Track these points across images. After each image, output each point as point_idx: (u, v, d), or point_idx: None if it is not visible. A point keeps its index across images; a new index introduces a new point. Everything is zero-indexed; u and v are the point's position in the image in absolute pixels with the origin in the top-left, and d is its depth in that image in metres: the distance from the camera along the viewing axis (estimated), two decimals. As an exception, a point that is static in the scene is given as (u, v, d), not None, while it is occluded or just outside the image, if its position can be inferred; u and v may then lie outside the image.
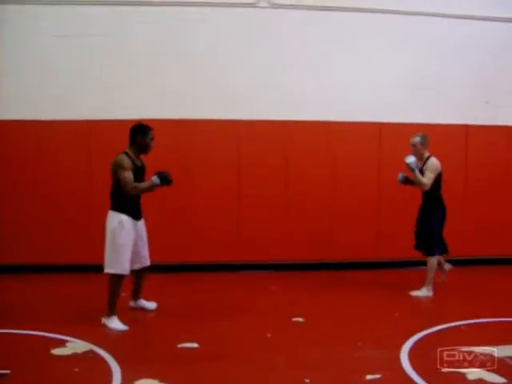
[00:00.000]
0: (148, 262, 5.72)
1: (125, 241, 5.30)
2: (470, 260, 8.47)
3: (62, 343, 4.66)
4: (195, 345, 4.69)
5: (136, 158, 5.45)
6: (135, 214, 5.45)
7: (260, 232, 8.27)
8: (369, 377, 3.87)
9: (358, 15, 8.67)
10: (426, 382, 3.76)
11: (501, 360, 4.19)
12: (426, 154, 6.61)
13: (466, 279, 7.63)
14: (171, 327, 5.35)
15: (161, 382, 3.79)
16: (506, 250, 8.53)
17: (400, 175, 6.67)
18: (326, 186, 8.35)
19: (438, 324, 5.26)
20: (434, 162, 6.51)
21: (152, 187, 5.33)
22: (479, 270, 8.31)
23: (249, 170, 8.18)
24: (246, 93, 8.34)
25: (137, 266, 5.61)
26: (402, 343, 4.65)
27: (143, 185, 5.34)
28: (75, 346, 4.60)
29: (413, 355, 4.34)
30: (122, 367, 4.06)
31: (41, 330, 4.99)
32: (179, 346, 4.66)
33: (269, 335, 4.97)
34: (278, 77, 8.45)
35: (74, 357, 4.35)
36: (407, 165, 6.35)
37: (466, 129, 8.57)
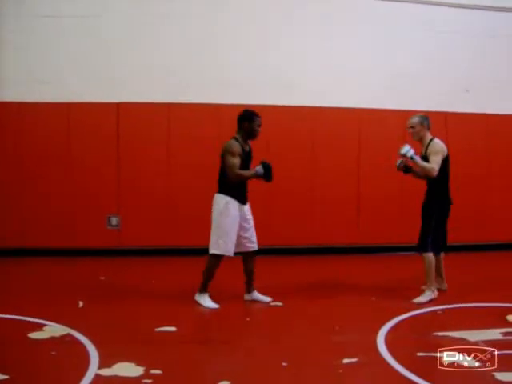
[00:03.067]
0: (254, 247, 5.70)
1: (230, 223, 5.41)
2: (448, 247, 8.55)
3: (40, 327, 4.62)
4: (173, 328, 4.68)
5: (244, 143, 5.54)
6: (241, 198, 5.52)
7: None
8: (346, 360, 3.89)
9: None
10: (402, 365, 3.79)
11: (475, 344, 4.25)
12: (429, 137, 5.79)
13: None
14: (150, 311, 5.33)
15: (138, 365, 3.77)
16: (483, 237, 8.64)
17: (399, 162, 5.87)
18: (306, 170, 8.40)
19: (415, 309, 5.32)
20: (438, 144, 5.70)
21: (255, 176, 5.44)
22: (456, 256, 8.40)
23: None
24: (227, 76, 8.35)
25: (241, 249, 5.64)
26: (380, 327, 4.68)
27: (247, 173, 5.46)
28: (53, 329, 4.57)
29: (389, 339, 4.38)
30: (99, 351, 4.04)
31: (18, 314, 4.95)
32: (157, 329, 4.65)
33: (248, 319, 5.00)
34: (259, 61, 8.47)
35: (52, 340, 4.33)
36: (402, 156, 5.66)
37: (445, 117, 8.62)
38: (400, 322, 4.93)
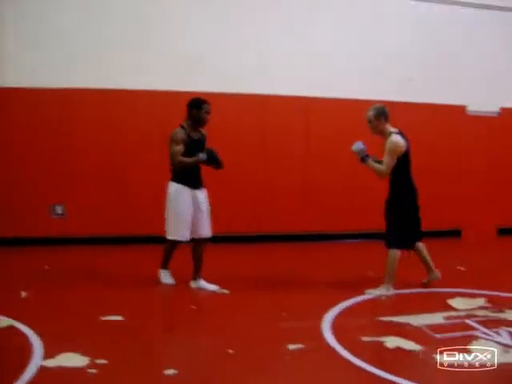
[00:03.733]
0: (205, 234, 5.75)
1: (181, 209, 5.52)
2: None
3: (-21, 319, 4.47)
4: (119, 317, 4.60)
5: (192, 131, 5.61)
6: (192, 183, 5.60)
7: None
8: (291, 347, 3.91)
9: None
10: (347, 350, 3.84)
11: (418, 328, 4.35)
12: (389, 130, 5.47)
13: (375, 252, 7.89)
14: (96, 300, 5.25)
15: (83, 355, 3.69)
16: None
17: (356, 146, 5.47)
18: (255, 157, 8.42)
19: (360, 294, 5.40)
20: (392, 142, 5.35)
21: (197, 162, 5.53)
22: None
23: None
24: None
25: (194, 236, 5.68)
26: (326, 313, 4.73)
27: (189, 160, 5.49)
28: (-6, 321, 4.42)
29: (335, 325, 4.43)
30: (43, 342, 3.92)
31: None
32: (103, 318, 4.56)
33: (193, 307, 4.97)
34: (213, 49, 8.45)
35: (-8, 333, 4.19)
36: (357, 153, 5.45)
37: (391, 105, 8.73)
38: (346, 308, 4.98)
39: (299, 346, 3.94)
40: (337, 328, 4.36)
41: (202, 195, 5.70)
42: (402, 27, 9.29)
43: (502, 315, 4.70)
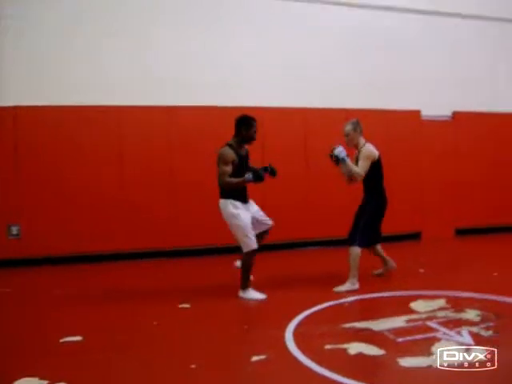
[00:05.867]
0: (269, 223, 6.00)
1: (244, 221, 5.64)
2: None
3: None
4: (79, 338, 4.49)
5: (239, 148, 5.73)
6: (243, 199, 5.76)
7: (148, 218, 8.21)
8: (254, 358, 3.86)
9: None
10: (310, 359, 3.81)
11: (380, 333, 4.36)
12: (362, 142, 6.13)
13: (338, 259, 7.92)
14: (54, 322, 5.12)
15: (41, 379, 3.59)
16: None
17: (334, 151, 5.89)
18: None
19: (323, 302, 5.38)
20: (367, 149, 6.01)
21: (245, 183, 5.60)
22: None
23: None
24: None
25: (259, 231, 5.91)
26: (288, 323, 4.70)
27: (237, 180, 5.57)
28: None
29: (297, 334, 4.40)
30: (-1, 368, 3.84)
31: None
32: (62, 340, 4.44)
33: (155, 323, 4.88)
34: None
35: None
36: (335, 156, 5.86)
37: (346, 113, 8.86)
38: (308, 316, 4.95)
39: (262, 357, 3.90)
40: (300, 337, 4.33)
41: (254, 207, 5.94)
42: (356, 36, 9.42)
43: (462, 315, 4.75)
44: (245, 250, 5.69)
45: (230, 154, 5.59)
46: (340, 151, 5.83)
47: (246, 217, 5.66)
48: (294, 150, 8.80)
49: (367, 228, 6.06)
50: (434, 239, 9.65)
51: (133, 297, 6.03)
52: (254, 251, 5.71)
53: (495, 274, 6.57)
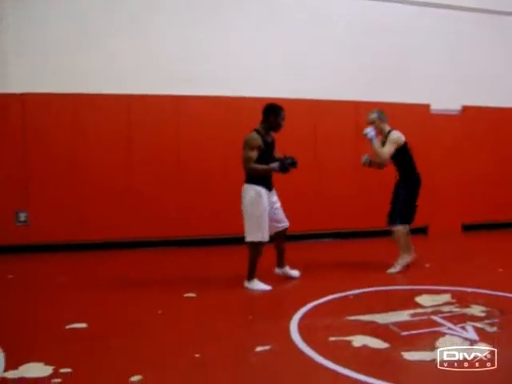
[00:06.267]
0: (285, 225, 6.06)
1: (262, 211, 5.65)
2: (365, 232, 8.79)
3: None
4: (84, 325, 4.51)
5: (266, 135, 5.75)
6: (268, 185, 5.79)
7: (156, 207, 8.23)
8: (258, 349, 3.88)
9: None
10: (314, 350, 3.82)
11: (385, 326, 4.37)
12: (387, 129, 6.51)
13: (346, 251, 7.93)
14: (60, 308, 5.16)
15: (47, 364, 3.61)
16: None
17: (364, 159, 6.63)
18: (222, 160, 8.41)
19: (328, 295, 5.39)
20: (396, 134, 6.40)
21: (270, 171, 5.69)
22: (362, 242, 8.65)
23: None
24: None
25: (273, 231, 5.96)
26: (293, 314, 4.71)
27: (261, 167, 5.64)
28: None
29: (302, 325, 4.41)
30: (5, 352, 3.82)
31: None
32: (68, 326, 4.47)
33: (160, 312, 4.91)
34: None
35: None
36: (365, 135, 6.31)
37: (356, 105, 8.87)
38: (313, 307, 4.97)
39: (266, 347, 3.91)
40: (304, 328, 4.35)
41: (274, 197, 5.94)
42: (367, 29, 9.38)
43: (467, 310, 4.74)
44: (248, 238, 5.74)
45: (257, 139, 5.62)
46: (368, 132, 6.27)
47: (264, 207, 5.68)
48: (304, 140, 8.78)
49: (404, 207, 6.44)
50: (440, 234, 9.64)
51: (138, 285, 6.06)
52: (262, 244, 5.74)
53: (500, 269, 6.57)
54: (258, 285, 5.81)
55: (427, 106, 9.66)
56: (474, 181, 9.94)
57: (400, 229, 6.45)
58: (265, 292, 5.70)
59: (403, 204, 6.44)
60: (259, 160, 5.62)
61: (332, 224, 9.09)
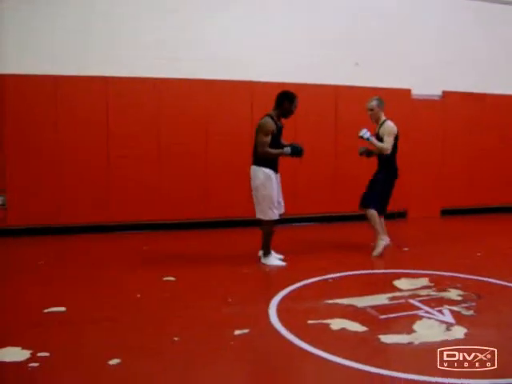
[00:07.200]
0: (283, 210, 6.20)
1: (272, 191, 5.90)
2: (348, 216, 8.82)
3: None
4: (62, 309, 4.48)
5: (278, 120, 5.96)
6: (275, 168, 6.01)
7: (136, 190, 8.18)
8: (237, 332, 3.89)
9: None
10: (293, 333, 3.85)
11: (363, 310, 4.40)
12: (382, 118, 6.58)
13: (332, 235, 7.96)
14: (39, 292, 5.10)
15: (24, 349, 3.58)
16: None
17: (361, 149, 6.73)
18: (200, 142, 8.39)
19: (307, 278, 5.41)
20: (390, 126, 6.46)
21: (282, 155, 5.91)
22: (346, 225, 8.69)
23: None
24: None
25: (278, 212, 6.09)
26: (272, 298, 4.73)
27: (275, 151, 5.89)
28: None
29: (281, 309, 4.43)
30: (-18, 338, 3.82)
31: None
32: (46, 310, 4.43)
33: (138, 295, 4.89)
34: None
35: None
36: (361, 138, 6.38)
37: (336, 89, 8.86)
38: (292, 291, 5.00)
39: (245, 330, 3.93)
40: (283, 312, 4.37)
41: (279, 178, 6.11)
42: (348, 13, 9.33)
43: (444, 294, 4.80)
44: (266, 218, 5.97)
45: (272, 124, 5.81)
46: (364, 132, 6.35)
47: (274, 188, 5.92)
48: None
49: (378, 194, 6.55)
50: (419, 218, 9.71)
51: (118, 269, 6.01)
52: (274, 221, 5.99)
53: (478, 254, 6.65)
54: (274, 261, 6.10)
55: (408, 91, 9.67)
56: (453, 166, 10.00)
57: (373, 212, 6.49)
58: (244, 275, 5.71)
59: (380, 192, 6.57)
60: (270, 145, 5.82)
61: (318, 208, 9.13)
